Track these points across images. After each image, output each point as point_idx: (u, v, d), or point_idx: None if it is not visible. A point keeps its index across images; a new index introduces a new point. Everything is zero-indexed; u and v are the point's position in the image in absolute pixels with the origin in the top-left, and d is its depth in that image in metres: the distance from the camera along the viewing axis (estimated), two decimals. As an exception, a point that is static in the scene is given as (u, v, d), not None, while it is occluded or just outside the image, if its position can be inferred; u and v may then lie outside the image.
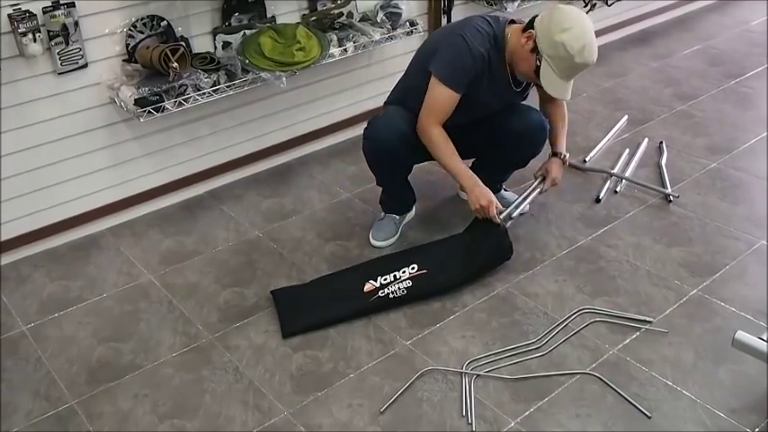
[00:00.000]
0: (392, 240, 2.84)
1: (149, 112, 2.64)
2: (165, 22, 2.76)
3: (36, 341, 2.43)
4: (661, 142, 3.46)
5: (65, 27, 2.52)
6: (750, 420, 2.05)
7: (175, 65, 2.61)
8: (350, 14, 3.22)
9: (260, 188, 3.24)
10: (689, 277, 2.61)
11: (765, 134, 3.52)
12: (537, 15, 2.48)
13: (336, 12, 3.17)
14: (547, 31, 2.41)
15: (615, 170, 3.24)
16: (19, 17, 2.42)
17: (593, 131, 3.61)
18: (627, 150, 3.41)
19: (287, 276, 2.68)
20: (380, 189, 2.87)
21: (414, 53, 2.73)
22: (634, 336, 2.36)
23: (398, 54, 3.46)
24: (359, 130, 2.76)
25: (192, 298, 2.59)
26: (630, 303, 2.49)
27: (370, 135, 2.65)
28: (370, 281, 2.55)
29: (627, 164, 3.31)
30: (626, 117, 3.71)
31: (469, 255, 2.63)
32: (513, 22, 2.57)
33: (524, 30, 2.49)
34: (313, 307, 2.49)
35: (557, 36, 2.39)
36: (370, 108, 3.48)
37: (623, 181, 3.17)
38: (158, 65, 2.60)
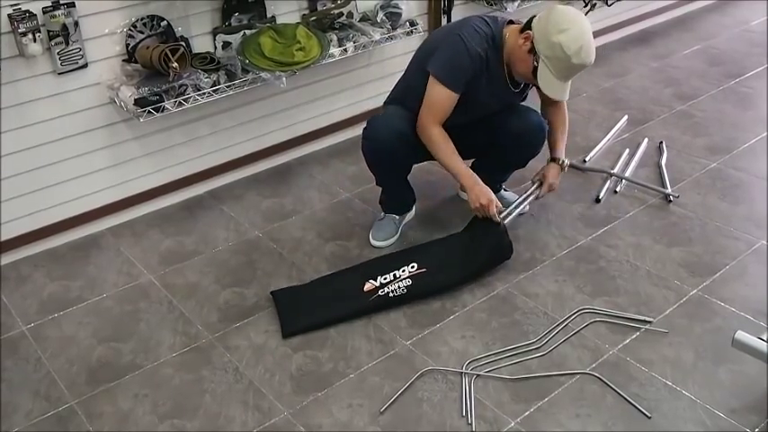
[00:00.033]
0: (392, 240, 2.84)
1: (149, 112, 2.64)
2: (165, 22, 2.76)
3: (36, 341, 2.43)
4: (661, 142, 3.46)
5: (65, 27, 2.52)
6: (750, 420, 2.05)
7: (175, 65, 2.61)
8: (350, 14, 3.22)
9: (260, 188, 3.24)
10: (689, 277, 2.61)
11: (765, 134, 3.52)
12: (535, 16, 2.48)
13: (336, 12, 3.17)
14: (544, 31, 2.41)
15: (615, 170, 3.24)
16: (19, 17, 2.42)
17: (593, 131, 3.61)
18: (627, 150, 3.41)
19: (287, 276, 2.68)
20: (380, 189, 2.87)
21: (413, 53, 2.73)
22: (634, 336, 2.36)
23: (398, 54, 3.45)
24: (359, 130, 2.75)
25: (192, 298, 2.60)
26: (630, 303, 2.49)
27: (370, 135, 2.65)
28: (370, 280, 2.55)
29: (627, 164, 3.31)
30: (626, 117, 3.71)
31: (469, 254, 2.63)
32: (511, 22, 2.57)
33: (522, 30, 2.48)
34: (313, 307, 2.49)
35: (554, 37, 2.38)
36: (370, 108, 3.48)
37: (623, 181, 3.16)
38: (158, 65, 2.60)
